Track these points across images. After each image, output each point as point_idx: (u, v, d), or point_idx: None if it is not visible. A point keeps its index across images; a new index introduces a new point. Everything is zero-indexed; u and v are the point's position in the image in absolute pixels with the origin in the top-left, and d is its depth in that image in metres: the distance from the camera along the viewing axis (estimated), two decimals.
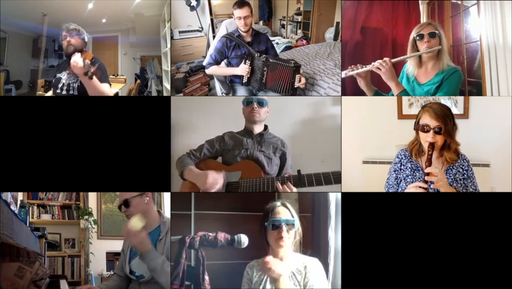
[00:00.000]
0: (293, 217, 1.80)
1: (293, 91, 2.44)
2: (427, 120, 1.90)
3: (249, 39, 2.59)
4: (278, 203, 1.83)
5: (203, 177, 2.19)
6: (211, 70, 2.65)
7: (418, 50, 2.21)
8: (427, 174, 1.88)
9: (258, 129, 2.37)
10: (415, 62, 2.25)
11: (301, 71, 2.43)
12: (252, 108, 2.33)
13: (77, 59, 2.28)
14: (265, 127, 2.41)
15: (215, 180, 2.18)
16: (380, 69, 2.17)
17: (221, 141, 2.38)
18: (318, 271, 1.77)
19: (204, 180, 2.18)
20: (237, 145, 2.34)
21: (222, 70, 2.65)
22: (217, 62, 2.62)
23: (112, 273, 3.67)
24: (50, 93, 2.49)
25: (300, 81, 2.42)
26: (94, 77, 2.28)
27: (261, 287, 1.79)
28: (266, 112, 2.37)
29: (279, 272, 1.67)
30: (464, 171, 1.95)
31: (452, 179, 1.94)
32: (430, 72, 2.23)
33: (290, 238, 1.77)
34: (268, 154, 2.34)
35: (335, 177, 2.08)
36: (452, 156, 1.93)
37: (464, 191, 1.94)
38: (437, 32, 2.17)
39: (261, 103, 2.34)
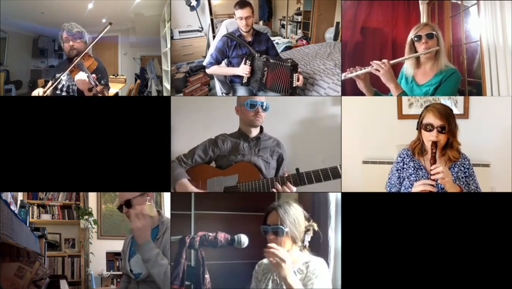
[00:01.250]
0: (280, 223, 1.76)
1: (292, 91, 2.43)
2: (431, 119, 1.93)
3: (249, 39, 2.59)
4: (272, 207, 1.81)
5: None
6: (211, 70, 2.64)
7: (416, 51, 2.22)
8: (434, 167, 1.90)
9: (254, 132, 2.34)
10: (412, 62, 2.26)
11: (299, 70, 2.42)
12: (257, 112, 2.29)
13: (83, 77, 2.27)
14: (261, 129, 2.36)
15: None
16: (379, 71, 2.18)
17: (214, 146, 2.32)
18: (322, 271, 1.75)
19: None
20: (233, 150, 2.29)
21: (223, 69, 2.64)
22: (217, 62, 2.62)
23: (112, 272, 3.69)
24: (41, 90, 2.46)
25: (298, 80, 2.41)
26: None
27: (263, 285, 1.79)
28: (265, 116, 2.33)
29: (282, 257, 1.65)
30: (466, 170, 1.98)
31: (454, 177, 1.97)
32: (429, 73, 2.24)
33: (284, 242, 1.75)
34: (266, 158, 2.31)
35: (333, 173, 2.09)
36: (454, 154, 1.96)
37: (466, 188, 1.96)
38: (434, 32, 2.18)
39: (265, 108, 2.30)
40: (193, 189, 2.21)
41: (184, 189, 2.21)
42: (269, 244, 1.69)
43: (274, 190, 2.13)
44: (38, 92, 2.39)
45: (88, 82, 2.27)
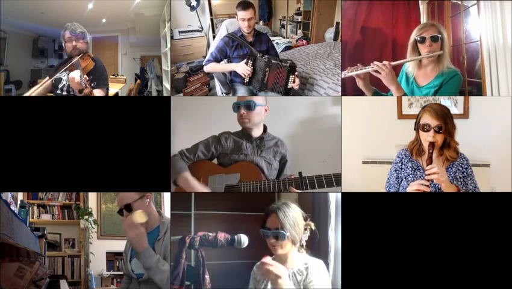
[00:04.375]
0: (281, 228, 1.74)
1: (286, 92, 2.42)
2: (427, 119, 1.92)
3: (251, 39, 2.59)
4: (271, 210, 1.79)
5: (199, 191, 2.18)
6: (209, 67, 2.62)
7: (418, 52, 2.19)
8: (429, 167, 1.89)
9: (256, 132, 2.31)
10: (415, 62, 2.24)
11: (296, 73, 2.41)
12: (240, 114, 2.26)
13: (76, 76, 2.27)
14: (265, 128, 2.34)
15: None
16: (380, 73, 2.16)
17: (217, 143, 2.31)
18: (321, 273, 1.75)
19: None
20: (236, 149, 2.28)
21: (220, 66, 2.61)
22: (216, 61, 2.60)
23: (112, 272, 3.70)
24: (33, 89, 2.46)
25: (294, 82, 2.40)
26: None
27: (262, 286, 1.79)
28: (260, 113, 2.28)
29: (278, 273, 1.64)
30: (464, 169, 1.97)
31: (452, 177, 1.96)
32: (429, 74, 2.22)
33: (285, 245, 1.75)
34: (269, 159, 2.29)
35: (336, 179, 2.07)
36: (452, 154, 1.95)
37: (464, 188, 1.95)
38: (439, 35, 2.13)
39: (248, 106, 2.24)
40: (195, 183, 2.20)
41: (186, 183, 2.20)
42: (263, 260, 1.67)
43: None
44: (32, 90, 2.38)
45: (80, 82, 2.27)
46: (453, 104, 2.59)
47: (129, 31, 3.03)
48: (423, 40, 2.16)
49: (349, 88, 2.35)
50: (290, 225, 1.74)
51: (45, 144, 2.19)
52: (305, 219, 1.82)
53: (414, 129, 2.00)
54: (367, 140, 2.71)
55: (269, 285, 1.76)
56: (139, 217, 1.92)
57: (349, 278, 2.14)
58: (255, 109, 2.25)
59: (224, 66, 2.61)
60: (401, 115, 2.69)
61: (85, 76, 2.32)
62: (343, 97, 2.34)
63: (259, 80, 2.49)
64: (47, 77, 2.45)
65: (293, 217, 1.77)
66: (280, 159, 2.34)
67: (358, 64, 2.22)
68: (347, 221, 2.16)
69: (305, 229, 1.80)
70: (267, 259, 1.68)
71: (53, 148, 2.19)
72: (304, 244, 1.80)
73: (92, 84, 2.35)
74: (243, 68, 2.51)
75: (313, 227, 1.83)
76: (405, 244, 2.13)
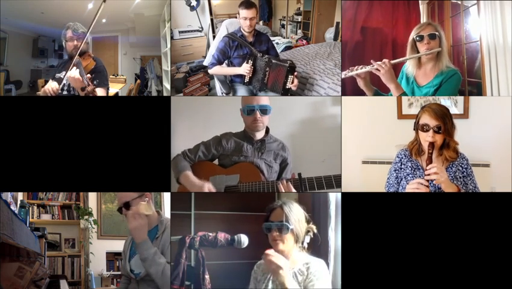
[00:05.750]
0: (285, 220, 1.75)
1: (284, 92, 2.42)
2: (426, 119, 1.92)
3: (251, 39, 2.59)
4: (277, 205, 1.80)
5: (199, 189, 2.17)
6: (214, 70, 2.63)
7: (417, 51, 2.21)
8: (429, 167, 1.89)
9: (259, 135, 2.30)
10: (414, 62, 2.25)
11: (295, 73, 2.41)
12: (255, 118, 2.24)
13: (76, 75, 2.28)
14: (267, 130, 2.33)
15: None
16: (379, 70, 2.17)
17: (218, 144, 2.31)
18: (322, 273, 1.74)
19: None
20: (236, 151, 2.28)
21: (225, 70, 2.63)
22: (219, 62, 2.61)
23: (112, 272, 3.70)
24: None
25: (292, 82, 2.40)
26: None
27: (263, 286, 1.79)
28: (269, 117, 2.29)
29: (279, 264, 1.64)
30: (464, 169, 1.97)
31: (452, 176, 1.96)
32: (429, 74, 2.23)
33: (287, 240, 1.75)
34: (269, 162, 2.29)
35: (336, 181, 2.07)
36: (451, 154, 1.95)
37: (464, 188, 1.95)
38: (437, 33, 2.16)
39: (264, 111, 2.24)
40: (195, 180, 2.19)
41: (188, 181, 2.19)
42: (267, 251, 1.68)
43: (277, 190, 2.13)
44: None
45: (81, 80, 2.27)
46: (453, 104, 2.59)
47: (129, 31, 3.03)
48: (421, 39, 2.18)
49: (349, 88, 2.35)
50: (294, 219, 1.76)
51: (45, 144, 2.19)
52: (308, 222, 1.82)
53: (414, 129, 2.01)
54: (367, 140, 2.71)
55: (270, 285, 1.76)
56: (144, 208, 1.95)
57: (349, 278, 2.14)
58: (269, 113, 2.26)
59: (229, 70, 2.62)
60: (401, 115, 2.69)
61: (88, 75, 2.33)
62: (343, 97, 2.34)
63: (260, 80, 2.49)
64: (51, 80, 2.45)
65: (297, 213, 1.78)
66: (281, 162, 2.34)
67: (357, 66, 2.23)
68: (347, 221, 2.16)
69: (308, 232, 1.80)
70: (271, 251, 1.68)
71: (53, 148, 2.19)
72: (306, 246, 1.80)
73: (95, 82, 2.36)
74: (244, 69, 2.51)
75: (315, 231, 1.83)
76: (405, 244, 2.13)
